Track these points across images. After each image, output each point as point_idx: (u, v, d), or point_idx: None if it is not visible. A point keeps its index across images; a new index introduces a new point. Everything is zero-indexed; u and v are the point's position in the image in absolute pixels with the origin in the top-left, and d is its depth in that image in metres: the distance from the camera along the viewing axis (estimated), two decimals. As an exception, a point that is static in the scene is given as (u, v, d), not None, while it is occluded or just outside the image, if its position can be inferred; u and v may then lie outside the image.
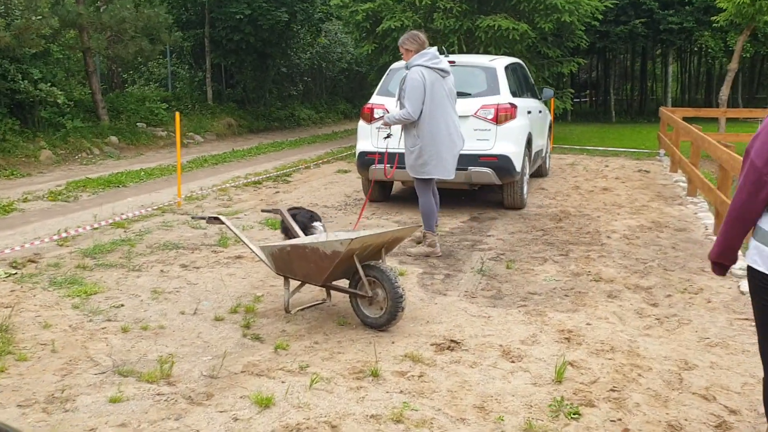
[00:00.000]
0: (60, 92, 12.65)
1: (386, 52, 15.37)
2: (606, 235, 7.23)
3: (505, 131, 7.88)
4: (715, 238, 7.04)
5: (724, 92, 14.54)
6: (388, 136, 8.12)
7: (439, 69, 5.98)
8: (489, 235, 7.25)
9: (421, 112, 5.94)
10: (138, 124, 15.43)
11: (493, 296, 5.32)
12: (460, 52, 14.49)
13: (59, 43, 14.41)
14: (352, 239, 4.32)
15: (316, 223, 5.55)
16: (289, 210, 5.62)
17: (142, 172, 11.32)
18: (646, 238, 7.07)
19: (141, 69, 21.07)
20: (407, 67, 6.11)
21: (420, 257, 6.30)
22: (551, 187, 10.21)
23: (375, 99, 8.38)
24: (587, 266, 6.08)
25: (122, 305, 4.96)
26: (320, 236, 5.14)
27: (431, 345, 4.31)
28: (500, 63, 8.42)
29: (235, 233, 5.06)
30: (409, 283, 5.57)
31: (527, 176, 8.66)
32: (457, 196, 9.01)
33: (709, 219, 7.83)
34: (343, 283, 4.77)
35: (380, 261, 4.66)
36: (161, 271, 5.79)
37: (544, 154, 10.48)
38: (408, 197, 9.02)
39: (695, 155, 9.16)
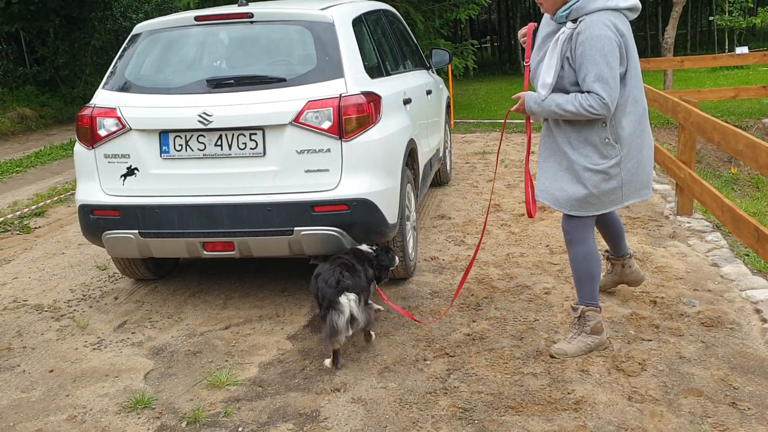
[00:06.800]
0: None
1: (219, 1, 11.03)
2: (577, 366, 3.45)
3: (361, 151, 3.90)
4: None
5: (670, 33, 11.06)
6: (131, 171, 4.10)
7: (627, 9, 3.20)
8: (335, 390, 3.35)
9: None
10: None
11: None
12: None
13: None
14: None
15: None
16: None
17: None
18: (667, 381, 3.34)
19: None
20: (565, 18, 3.18)
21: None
22: (456, 208, 6.36)
23: (102, 97, 4.20)
24: None
25: None
26: None
27: None
28: (343, 12, 4.36)
29: None
30: None
31: (413, 220, 4.77)
32: (288, 268, 5.03)
33: (750, 280, 4.21)
34: None
35: None
36: None
37: (441, 155, 6.60)
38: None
39: (688, 148, 5.51)
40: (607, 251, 4.04)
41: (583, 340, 3.52)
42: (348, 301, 3.45)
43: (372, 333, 3.77)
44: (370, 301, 3.71)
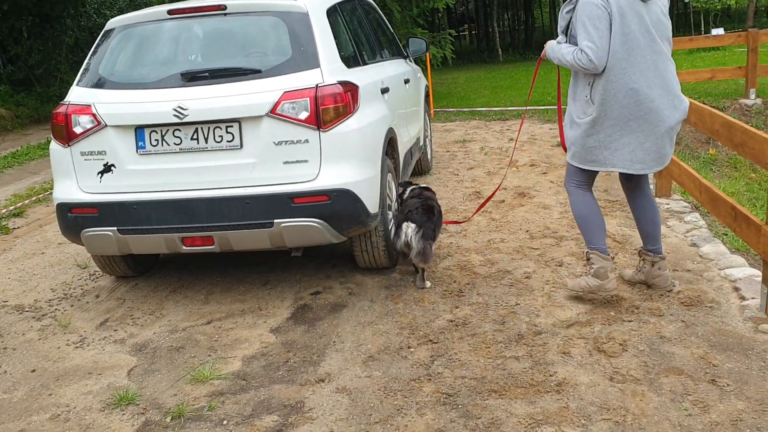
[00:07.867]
0: None
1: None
2: (558, 348, 3.49)
3: (339, 141, 3.90)
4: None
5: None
6: (108, 168, 4.04)
7: None
8: (320, 381, 3.36)
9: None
10: None
11: None
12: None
13: None
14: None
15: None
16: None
17: None
18: (648, 361, 3.38)
19: None
20: None
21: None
22: (437, 197, 6.37)
23: (76, 94, 4.17)
24: None
25: None
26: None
27: None
28: (317, 2, 4.34)
29: None
30: None
31: (395, 210, 4.78)
32: (272, 259, 5.02)
33: (728, 259, 4.26)
34: None
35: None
36: None
37: (422, 144, 6.60)
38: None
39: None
40: (642, 248, 4.04)
41: (585, 279, 3.82)
42: (407, 229, 4.08)
43: (425, 277, 4.26)
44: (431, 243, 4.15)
